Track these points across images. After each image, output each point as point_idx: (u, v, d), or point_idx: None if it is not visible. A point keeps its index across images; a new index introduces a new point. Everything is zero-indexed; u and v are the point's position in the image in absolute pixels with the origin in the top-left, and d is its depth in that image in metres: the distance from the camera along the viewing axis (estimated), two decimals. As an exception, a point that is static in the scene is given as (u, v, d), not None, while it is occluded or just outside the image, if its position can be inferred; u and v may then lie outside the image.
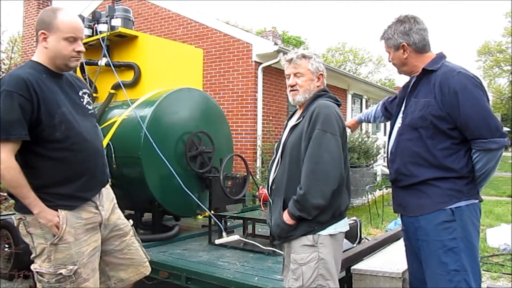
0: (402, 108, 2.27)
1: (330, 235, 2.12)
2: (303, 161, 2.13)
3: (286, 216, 2.12)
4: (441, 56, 2.19)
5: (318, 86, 2.33)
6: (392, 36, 2.20)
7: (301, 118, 2.24)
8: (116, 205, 2.48)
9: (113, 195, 2.48)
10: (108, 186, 2.44)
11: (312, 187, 2.04)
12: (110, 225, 2.37)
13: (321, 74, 2.34)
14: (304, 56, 2.31)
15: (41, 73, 2.11)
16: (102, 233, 2.32)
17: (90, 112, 2.36)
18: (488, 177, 2.10)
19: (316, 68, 2.32)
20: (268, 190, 2.37)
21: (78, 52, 2.17)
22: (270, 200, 2.32)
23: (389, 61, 2.32)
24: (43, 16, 2.14)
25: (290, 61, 2.33)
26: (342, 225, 2.19)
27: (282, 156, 2.26)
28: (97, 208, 2.27)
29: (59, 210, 2.10)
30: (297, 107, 2.44)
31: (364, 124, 13.99)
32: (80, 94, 2.33)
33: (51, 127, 2.07)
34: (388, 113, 2.63)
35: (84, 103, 2.33)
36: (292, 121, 2.36)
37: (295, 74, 2.32)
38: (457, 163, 2.05)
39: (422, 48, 2.18)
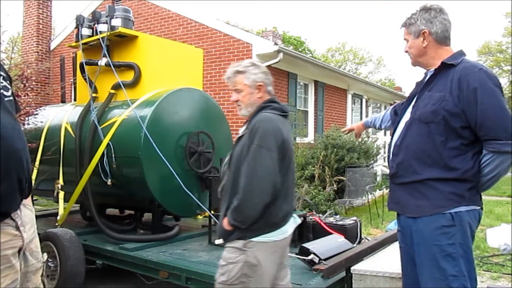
0: (413, 103, 2.19)
1: (262, 242, 2.23)
2: None
3: (225, 222, 2.27)
4: (461, 53, 2.13)
5: (260, 97, 2.39)
6: (415, 21, 2.13)
7: (246, 131, 2.34)
8: (36, 231, 1.96)
9: (34, 217, 1.97)
10: (29, 203, 1.94)
11: (246, 200, 2.16)
12: (28, 257, 1.88)
13: (260, 85, 2.38)
14: (239, 72, 2.39)
15: None
16: (20, 263, 1.83)
17: (7, 99, 1.83)
18: (495, 182, 2.04)
19: (253, 81, 2.37)
20: (219, 195, 2.51)
21: None
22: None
23: (405, 51, 2.22)
24: None
25: (228, 79, 2.43)
26: (277, 234, 2.27)
27: (230, 166, 2.38)
28: (17, 228, 1.80)
29: None
30: None
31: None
32: None
33: None
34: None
35: None
36: (240, 132, 2.46)
37: (235, 90, 2.42)
38: (463, 165, 1.99)
39: (442, 39, 2.11)
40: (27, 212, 1.89)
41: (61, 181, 4.35)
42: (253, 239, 2.23)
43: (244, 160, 2.22)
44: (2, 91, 1.80)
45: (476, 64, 2.03)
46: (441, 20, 2.11)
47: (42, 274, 2.02)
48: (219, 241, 3.81)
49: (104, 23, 4.39)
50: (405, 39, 2.21)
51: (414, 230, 2.09)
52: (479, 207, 2.06)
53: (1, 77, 1.83)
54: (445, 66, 2.07)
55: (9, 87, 1.89)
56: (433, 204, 2.02)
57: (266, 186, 2.17)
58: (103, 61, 4.36)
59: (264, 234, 2.24)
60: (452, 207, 1.99)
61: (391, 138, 2.31)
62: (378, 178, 12.14)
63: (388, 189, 2.34)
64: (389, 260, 3.00)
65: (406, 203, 2.14)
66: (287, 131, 2.33)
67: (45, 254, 2.11)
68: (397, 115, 2.59)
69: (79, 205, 4.86)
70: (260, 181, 2.16)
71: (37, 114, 5.16)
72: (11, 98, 1.87)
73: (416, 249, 2.09)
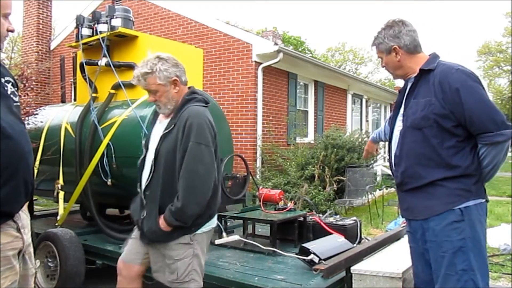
0: (401, 111, 2.26)
1: (205, 232, 2.33)
2: (179, 172, 2.19)
3: (163, 224, 2.20)
4: (435, 56, 2.21)
5: (177, 92, 2.32)
6: (382, 40, 2.23)
7: (172, 126, 2.26)
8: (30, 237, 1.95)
9: (29, 222, 1.96)
10: (25, 208, 1.92)
11: (190, 200, 2.14)
12: (27, 260, 1.90)
13: (175, 80, 2.30)
14: (147, 73, 2.28)
15: None
16: (20, 265, 1.84)
17: (16, 104, 1.88)
18: (496, 171, 2.10)
19: (165, 78, 2.28)
20: (141, 194, 2.38)
21: (10, 31, 1.84)
22: (144, 203, 2.35)
23: (382, 67, 2.33)
24: None
25: (139, 81, 2.32)
26: (214, 221, 2.42)
27: (156, 164, 2.29)
28: (18, 230, 1.81)
29: None
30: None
31: (364, 124, 13.99)
32: (3, 81, 1.83)
33: None
34: None
35: (8, 92, 1.84)
36: (160, 129, 2.35)
37: (149, 91, 2.33)
38: (464, 161, 2.05)
39: (413, 49, 2.20)
40: (24, 216, 1.90)
41: (61, 181, 4.35)
42: (198, 232, 2.27)
43: (181, 158, 2.18)
44: (11, 96, 1.86)
45: (452, 65, 2.10)
46: (406, 32, 2.19)
47: (34, 281, 2.03)
48: (219, 241, 3.82)
49: (104, 23, 4.39)
50: (379, 57, 2.31)
51: (426, 229, 2.13)
52: (484, 200, 2.11)
53: (10, 84, 1.89)
54: (424, 73, 2.14)
55: (17, 93, 1.96)
56: (442, 201, 2.07)
57: (208, 183, 2.18)
58: (103, 61, 4.36)
59: (205, 224, 2.30)
60: (460, 202, 2.04)
61: (389, 150, 2.36)
62: (378, 178, 12.14)
63: (397, 196, 2.38)
64: (389, 260, 3.00)
65: (416, 207, 2.18)
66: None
67: (37, 261, 2.10)
68: None
69: (79, 205, 4.86)
70: (202, 180, 2.16)
71: (37, 114, 5.15)
72: (18, 104, 1.95)
73: (429, 247, 2.13)
